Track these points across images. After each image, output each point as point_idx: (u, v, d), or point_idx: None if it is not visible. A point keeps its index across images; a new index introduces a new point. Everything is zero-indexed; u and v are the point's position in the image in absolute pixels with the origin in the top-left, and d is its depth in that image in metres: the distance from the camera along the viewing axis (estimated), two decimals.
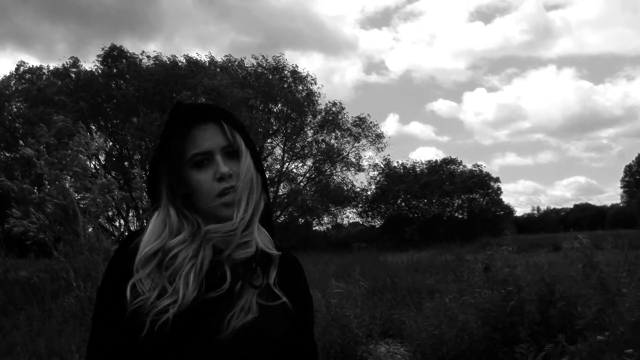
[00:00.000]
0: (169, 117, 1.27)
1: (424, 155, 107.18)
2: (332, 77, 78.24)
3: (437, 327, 5.84)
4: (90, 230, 8.16)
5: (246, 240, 1.23)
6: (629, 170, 71.96)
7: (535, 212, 74.47)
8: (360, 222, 45.51)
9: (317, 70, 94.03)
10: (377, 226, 44.35)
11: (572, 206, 76.97)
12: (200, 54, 62.03)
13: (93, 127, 35.91)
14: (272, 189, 40.84)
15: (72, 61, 35.09)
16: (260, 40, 76.37)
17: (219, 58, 40.56)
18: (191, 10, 71.41)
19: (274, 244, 1.30)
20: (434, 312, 6.34)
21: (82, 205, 6.42)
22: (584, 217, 64.87)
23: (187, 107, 1.27)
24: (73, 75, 34.40)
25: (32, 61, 64.79)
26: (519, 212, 76.70)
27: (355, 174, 43.39)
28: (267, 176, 1.36)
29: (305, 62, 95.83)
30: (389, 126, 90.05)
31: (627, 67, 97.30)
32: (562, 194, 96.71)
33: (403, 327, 7.63)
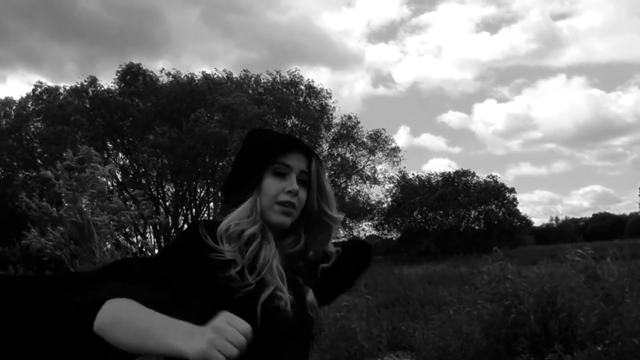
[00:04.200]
0: (276, 135, 1.59)
1: (437, 166, 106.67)
2: (340, 91, 78.61)
3: (442, 339, 5.96)
4: (108, 246, 8.38)
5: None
6: None
7: (554, 222, 73.93)
8: (377, 235, 45.54)
9: (324, 85, 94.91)
10: (394, 239, 44.34)
11: (590, 215, 76.24)
12: (218, 70, 62.82)
13: (110, 145, 36.50)
14: None
15: (90, 80, 35.74)
16: (265, 56, 76.94)
17: (235, 74, 41.09)
18: (196, 28, 72.29)
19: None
20: (440, 324, 6.45)
21: (97, 224, 6.65)
22: (603, 226, 64.20)
23: (292, 137, 1.58)
24: (91, 93, 34.96)
25: (44, 82, 66.10)
26: (537, 222, 76.30)
27: (371, 187, 43.51)
28: None
29: (312, 77, 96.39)
30: (401, 138, 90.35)
31: (638, 75, 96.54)
32: (579, 203, 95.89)
33: (413, 339, 7.73)
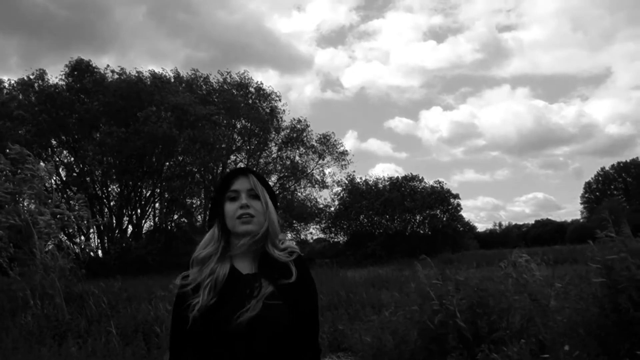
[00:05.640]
0: (225, 175, 2.06)
1: (383, 171, 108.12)
2: (289, 94, 78.95)
3: (379, 339, 6.19)
4: (50, 247, 8.22)
5: (262, 251, 1.93)
6: (588, 187, 74.10)
7: (497, 227, 76.02)
8: (324, 239, 45.82)
9: (273, 87, 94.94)
10: (341, 242, 44.69)
11: (532, 222, 78.71)
12: (166, 69, 61.84)
13: (54, 142, 35.44)
14: None
15: (38, 73, 34.63)
16: (214, 56, 76.63)
17: (183, 73, 40.67)
18: (143, 25, 71.25)
19: (295, 252, 1.96)
20: (378, 325, 6.69)
21: (38, 225, 6.57)
22: (545, 232, 66.34)
23: (234, 169, 2.07)
24: (37, 88, 33.87)
25: None
26: (481, 227, 78.23)
27: (320, 190, 43.84)
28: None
29: (261, 78, 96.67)
30: (348, 143, 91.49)
31: (581, 87, 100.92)
32: (521, 209, 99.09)
33: (353, 340, 7.95)
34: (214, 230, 1.97)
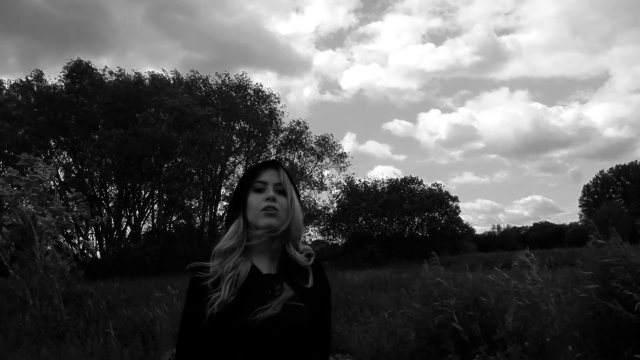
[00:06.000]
0: (253, 165, 2.01)
1: (382, 174, 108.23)
2: (287, 96, 79.01)
3: (377, 340, 6.21)
4: (49, 248, 8.26)
5: (283, 251, 1.87)
6: (587, 190, 74.12)
7: (496, 230, 76.08)
8: (323, 240, 45.82)
9: (272, 89, 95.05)
10: (340, 244, 44.70)
11: (531, 224, 78.78)
12: (166, 70, 61.85)
13: (52, 143, 35.44)
14: None
15: (36, 74, 34.65)
16: (212, 58, 76.69)
17: (184, 74, 40.71)
18: (141, 26, 71.31)
19: (312, 255, 1.91)
20: (377, 327, 6.70)
21: (39, 227, 6.61)
22: (544, 235, 66.46)
23: (265, 160, 2.02)
24: (35, 89, 33.90)
25: None
26: (480, 230, 78.31)
27: (319, 192, 43.87)
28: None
29: (259, 80, 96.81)
30: (347, 145, 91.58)
31: (579, 90, 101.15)
32: (520, 212, 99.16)
33: (351, 342, 7.96)
34: (239, 221, 1.88)
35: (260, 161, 2.06)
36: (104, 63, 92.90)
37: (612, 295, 4.75)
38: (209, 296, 1.74)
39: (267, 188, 1.86)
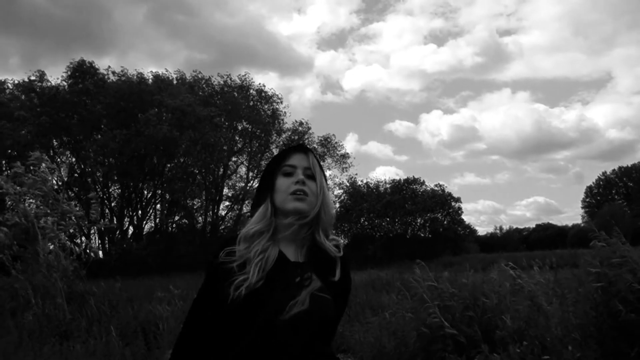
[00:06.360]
0: (282, 149, 1.94)
1: (384, 174, 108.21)
2: (289, 97, 78.90)
3: (379, 340, 6.23)
4: (51, 247, 8.29)
5: (310, 240, 1.79)
6: (589, 191, 74.03)
7: (498, 231, 76.02)
8: None
9: (274, 89, 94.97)
10: (342, 244, 44.60)
11: (533, 226, 78.71)
12: (169, 71, 61.89)
13: (55, 143, 35.51)
14: (236, 207, 40.89)
15: (38, 74, 34.73)
16: (214, 58, 76.76)
17: (187, 75, 40.77)
18: (143, 26, 71.40)
19: (340, 245, 1.83)
20: (377, 327, 6.72)
21: (42, 227, 6.64)
22: (546, 236, 66.40)
23: (294, 144, 1.95)
24: (37, 90, 33.97)
25: None
26: (482, 231, 78.22)
27: None
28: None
29: (261, 80, 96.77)
30: (349, 145, 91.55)
31: (582, 91, 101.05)
32: (522, 213, 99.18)
33: (352, 341, 7.98)
34: (267, 205, 1.80)
35: (289, 145, 2.02)
36: (106, 63, 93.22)
37: (615, 296, 4.76)
38: (234, 278, 1.64)
39: (296, 172, 1.81)
